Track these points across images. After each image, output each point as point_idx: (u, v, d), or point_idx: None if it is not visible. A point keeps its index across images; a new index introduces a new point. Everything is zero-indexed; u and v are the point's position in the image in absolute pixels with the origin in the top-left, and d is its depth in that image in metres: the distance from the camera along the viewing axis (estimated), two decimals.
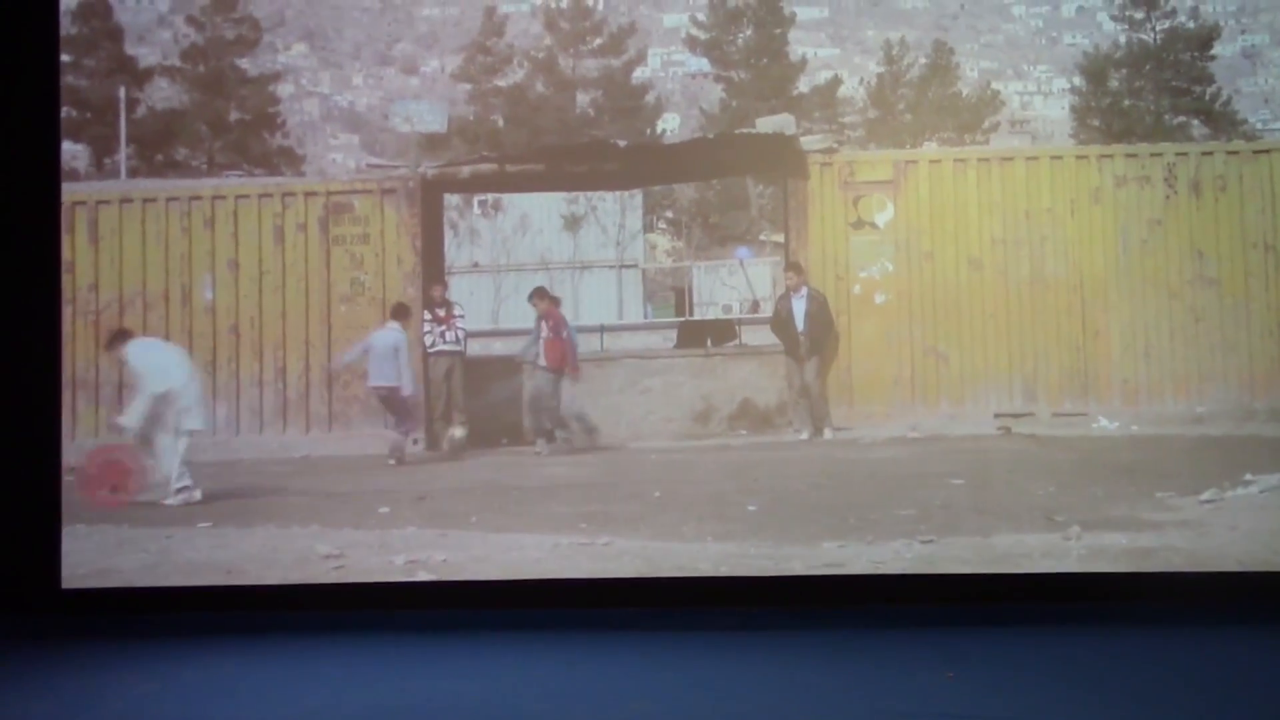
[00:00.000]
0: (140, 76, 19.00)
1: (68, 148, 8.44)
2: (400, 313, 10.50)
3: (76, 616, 6.93)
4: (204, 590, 6.98)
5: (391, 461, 10.08)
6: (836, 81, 21.42)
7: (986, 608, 6.50)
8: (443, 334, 10.77)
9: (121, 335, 9.47)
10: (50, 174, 7.51)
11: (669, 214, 25.56)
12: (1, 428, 7.11)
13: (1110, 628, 6.20)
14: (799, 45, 21.55)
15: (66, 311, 8.88)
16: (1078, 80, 19.41)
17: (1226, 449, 8.91)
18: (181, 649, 6.36)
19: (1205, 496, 7.71)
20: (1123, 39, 19.01)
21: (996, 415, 10.54)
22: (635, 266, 24.24)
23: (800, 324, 10.62)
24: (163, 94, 19.44)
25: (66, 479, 7.60)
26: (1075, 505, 7.63)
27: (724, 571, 6.84)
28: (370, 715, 5.22)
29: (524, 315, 11.32)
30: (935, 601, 6.56)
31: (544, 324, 10.69)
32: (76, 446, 9.35)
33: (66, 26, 7.91)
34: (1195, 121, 18.92)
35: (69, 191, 9.99)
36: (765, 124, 12.53)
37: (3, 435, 7.11)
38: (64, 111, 8.46)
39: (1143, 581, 6.53)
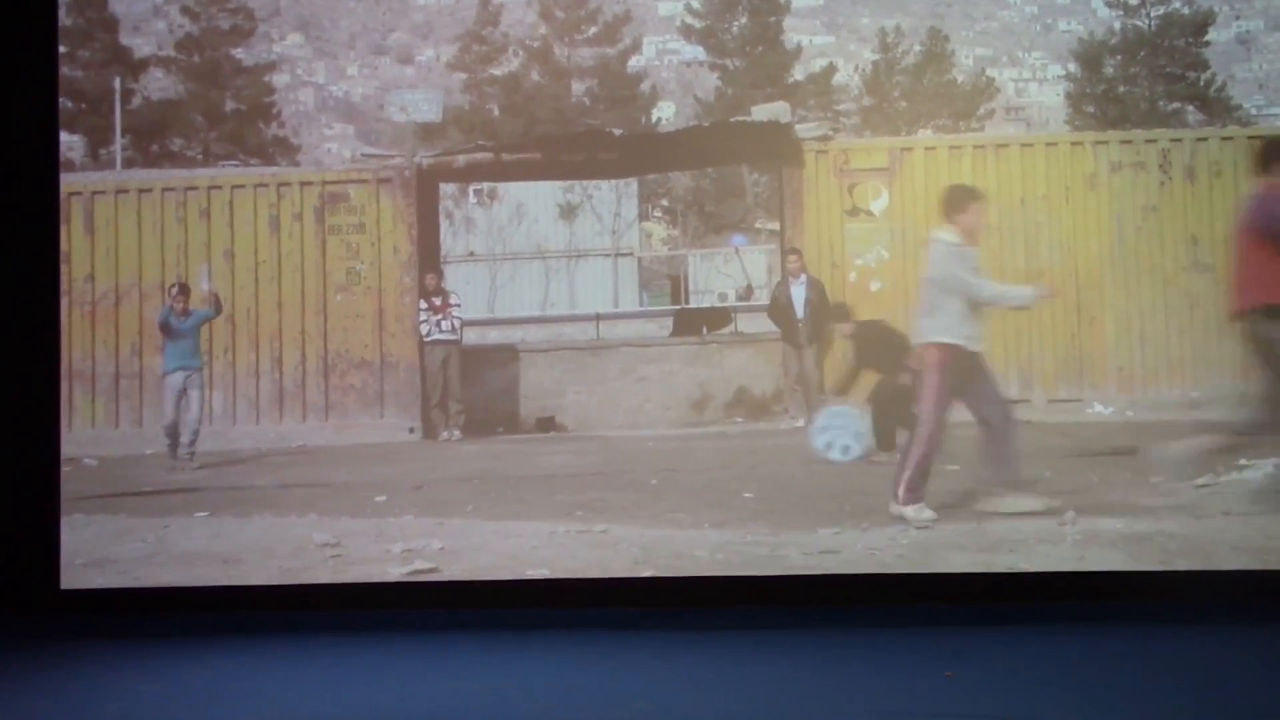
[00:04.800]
0: (135, 67, 18.99)
1: (63, 139, 8.43)
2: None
3: (76, 616, 6.93)
4: (204, 590, 6.98)
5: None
6: (831, 69, 21.42)
7: (985, 606, 6.51)
8: (438, 323, 10.79)
9: None
10: (49, 166, 7.50)
11: (664, 202, 25.59)
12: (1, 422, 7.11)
13: (1108, 626, 6.21)
14: (794, 33, 21.55)
15: (62, 303, 8.88)
16: (1072, 67, 19.43)
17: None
18: (183, 649, 6.36)
19: (1200, 481, 7.72)
20: (1117, 25, 19.01)
21: None
22: (631, 255, 24.29)
23: (800, 311, 10.62)
24: (158, 84, 19.43)
25: (65, 469, 7.61)
26: (1071, 491, 7.64)
27: (720, 558, 6.86)
28: (370, 716, 5.23)
29: (519, 303, 11.22)
30: (934, 600, 6.57)
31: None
32: (71, 439, 9.37)
33: (62, 17, 7.89)
34: (1190, 108, 18.94)
35: (65, 182, 9.98)
36: (760, 112, 12.55)
37: (2, 430, 7.11)
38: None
39: (1141, 580, 6.55)
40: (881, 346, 8.89)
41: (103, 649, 6.43)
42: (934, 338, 7.09)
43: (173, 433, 9.70)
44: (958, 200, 7.41)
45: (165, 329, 9.87)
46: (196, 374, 9.79)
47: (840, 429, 8.98)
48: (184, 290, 10.05)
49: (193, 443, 9.69)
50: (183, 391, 9.74)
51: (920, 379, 7.21)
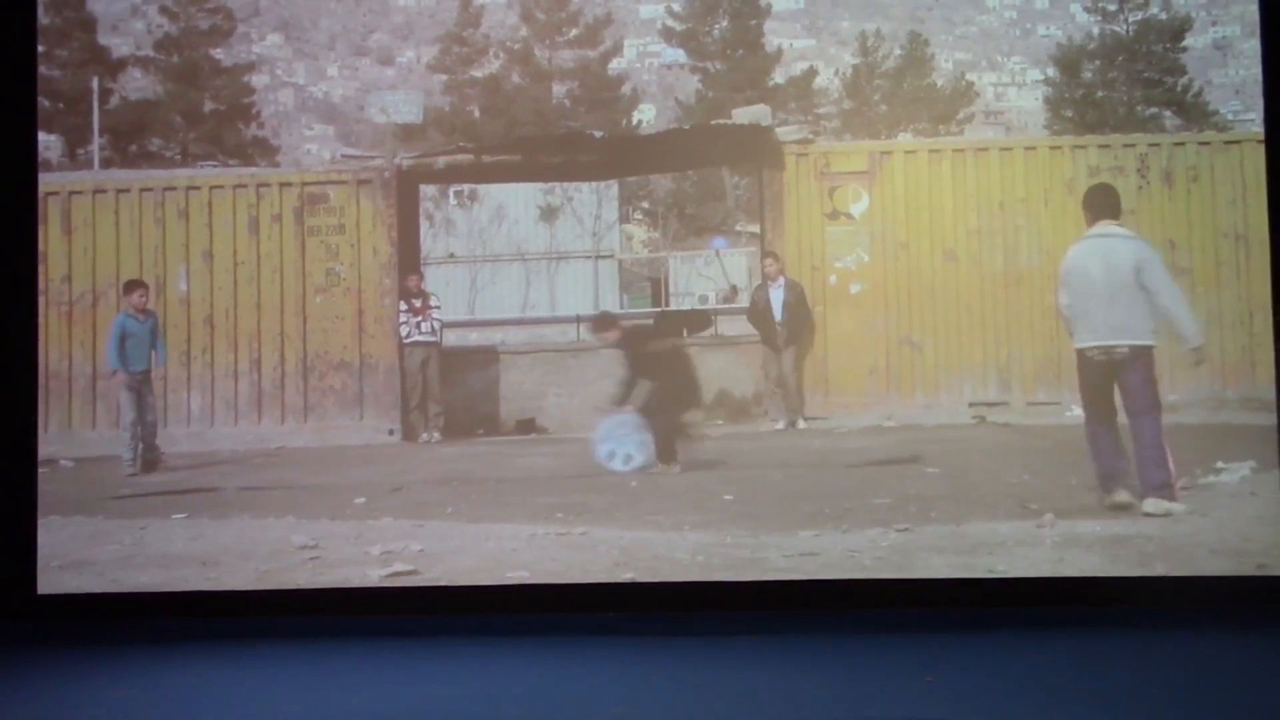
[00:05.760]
0: (113, 67, 18.91)
1: (41, 138, 8.38)
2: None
3: (52, 622, 6.88)
4: (181, 595, 6.94)
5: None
6: (812, 72, 21.48)
7: (965, 611, 6.52)
8: (418, 325, 10.77)
9: None
10: (27, 165, 7.45)
11: (645, 205, 25.59)
12: None
13: (1088, 631, 6.23)
14: (775, 36, 21.60)
15: (39, 303, 8.83)
16: (1051, 71, 19.52)
17: (1199, 437, 8.95)
18: (159, 654, 6.32)
19: (1179, 484, 7.75)
20: (1096, 30, 19.11)
21: (971, 404, 10.60)
22: (611, 257, 24.28)
23: (778, 314, 10.65)
24: (136, 84, 19.35)
25: (41, 471, 7.56)
26: (1049, 493, 7.65)
27: (700, 560, 6.86)
28: None
29: (499, 305, 11.22)
30: (914, 605, 6.58)
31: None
32: (48, 440, 9.31)
33: (40, 16, 7.84)
34: (1167, 113, 19.05)
35: (42, 182, 9.91)
36: (741, 115, 12.56)
37: None
38: None
39: (1119, 585, 6.57)
40: (652, 355, 8.93)
41: (80, 654, 6.40)
42: (1152, 340, 7.32)
43: (136, 434, 9.55)
44: (1118, 197, 7.49)
45: (121, 336, 9.58)
46: (147, 375, 9.67)
47: (622, 439, 9.01)
48: (141, 286, 9.87)
49: (153, 445, 9.61)
50: (137, 393, 9.61)
51: (1143, 378, 7.31)
